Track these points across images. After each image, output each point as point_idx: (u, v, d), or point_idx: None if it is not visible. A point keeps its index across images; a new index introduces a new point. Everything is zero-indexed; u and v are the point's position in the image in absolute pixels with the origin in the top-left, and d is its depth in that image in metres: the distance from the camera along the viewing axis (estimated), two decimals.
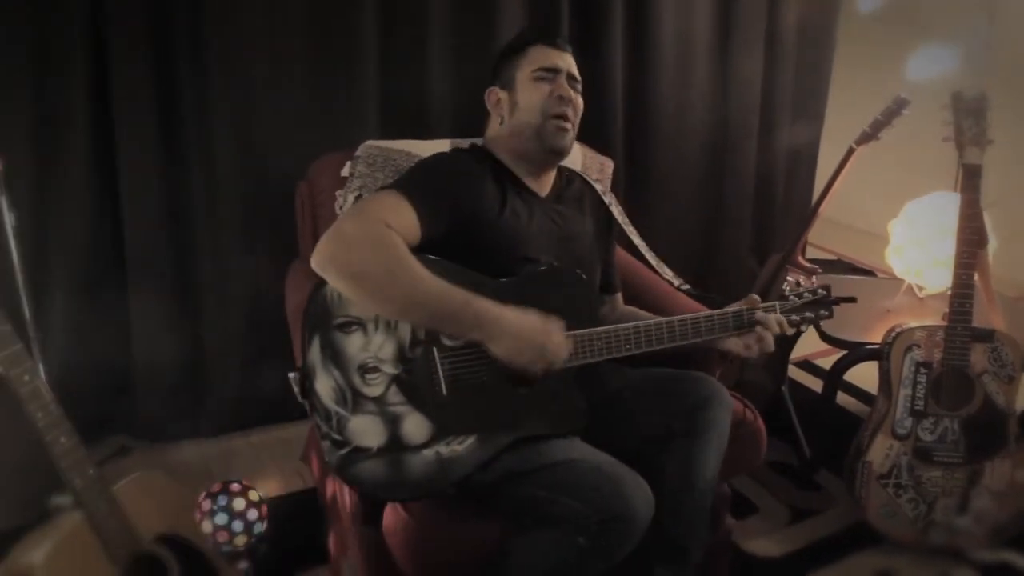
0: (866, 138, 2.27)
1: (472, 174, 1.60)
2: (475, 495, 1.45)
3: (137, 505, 1.37)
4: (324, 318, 1.39)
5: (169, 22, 2.15)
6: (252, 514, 1.94)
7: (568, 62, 1.68)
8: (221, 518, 1.90)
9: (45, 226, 2.16)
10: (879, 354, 2.02)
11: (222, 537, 1.90)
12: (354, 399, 1.38)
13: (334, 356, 1.38)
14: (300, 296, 1.79)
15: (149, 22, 2.13)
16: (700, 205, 3.16)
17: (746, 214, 3.31)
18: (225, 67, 2.22)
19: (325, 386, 1.38)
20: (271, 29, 2.25)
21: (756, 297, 1.60)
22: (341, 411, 1.38)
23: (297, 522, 2.09)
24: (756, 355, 1.57)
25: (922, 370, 1.94)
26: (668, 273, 1.89)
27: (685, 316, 1.54)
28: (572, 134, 1.66)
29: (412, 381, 1.40)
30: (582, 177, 1.86)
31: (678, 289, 1.87)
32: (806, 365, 3.00)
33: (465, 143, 1.84)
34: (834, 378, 2.33)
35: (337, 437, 1.38)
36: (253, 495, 1.96)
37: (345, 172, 2.02)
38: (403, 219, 1.42)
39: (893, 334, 1.97)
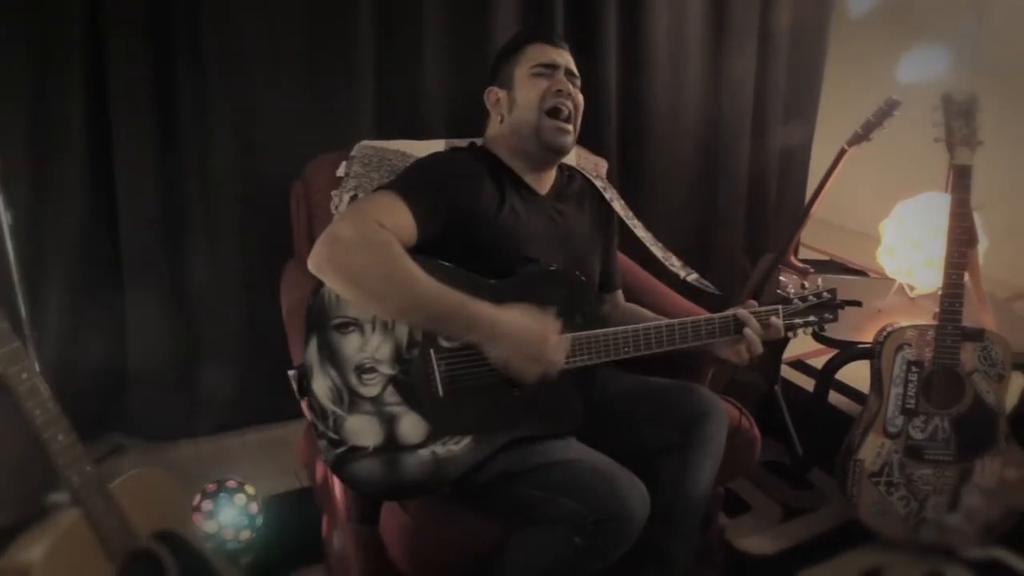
0: (858, 139, 2.28)
1: (469, 173, 1.60)
2: (472, 494, 1.45)
3: (134, 502, 1.38)
4: (322, 318, 1.39)
5: (168, 23, 2.15)
6: (253, 508, 1.95)
7: (566, 58, 1.68)
8: (226, 515, 1.91)
9: (41, 225, 2.16)
10: (870, 353, 2.03)
11: (228, 534, 1.91)
12: (351, 399, 1.39)
13: (331, 356, 1.39)
14: (296, 295, 1.80)
15: (148, 22, 2.14)
16: (693, 205, 3.17)
17: (739, 214, 3.33)
18: (223, 67, 2.23)
19: (322, 386, 1.38)
20: (268, 30, 2.26)
21: (753, 302, 1.59)
22: (338, 411, 1.38)
23: (292, 521, 2.09)
24: (746, 361, 1.56)
25: (913, 369, 1.96)
26: (676, 263, 1.87)
27: (685, 319, 1.53)
28: (573, 134, 1.66)
29: (409, 382, 1.41)
30: (583, 174, 1.86)
31: (685, 279, 1.85)
32: (799, 365, 3.01)
33: (462, 143, 1.84)
34: (826, 377, 2.34)
35: (334, 436, 1.38)
36: (249, 490, 1.97)
37: (340, 172, 2.02)
38: (399, 220, 1.42)
39: (884, 333, 1.98)
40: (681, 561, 1.57)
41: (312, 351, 1.39)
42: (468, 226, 1.53)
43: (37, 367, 1.86)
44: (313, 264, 1.37)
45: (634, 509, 1.35)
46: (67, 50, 2.08)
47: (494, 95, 1.71)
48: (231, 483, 1.97)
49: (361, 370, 1.39)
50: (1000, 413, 1.95)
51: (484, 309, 1.38)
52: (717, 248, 3.29)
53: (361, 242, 1.36)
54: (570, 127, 1.64)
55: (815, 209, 2.40)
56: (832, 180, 2.35)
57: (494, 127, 1.72)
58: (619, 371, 1.69)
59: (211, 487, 1.94)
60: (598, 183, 1.85)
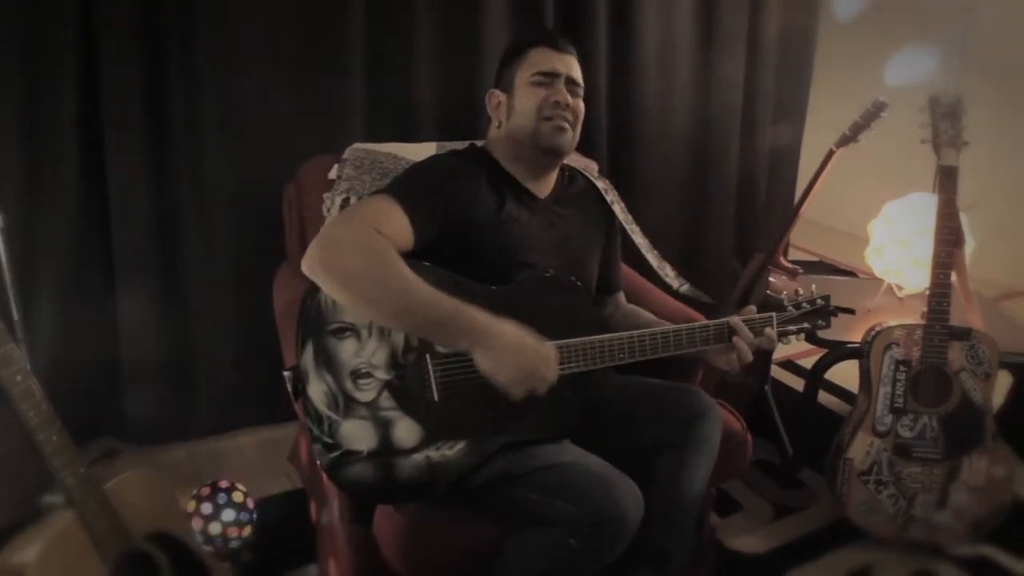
0: (845, 140, 2.30)
1: (467, 178, 1.59)
2: (467, 497, 1.46)
3: (128, 504, 1.39)
4: (318, 324, 1.39)
5: (160, 26, 2.15)
6: (250, 503, 1.95)
7: (568, 65, 1.66)
8: (228, 514, 1.90)
9: (34, 227, 2.15)
10: (859, 353, 2.04)
11: (233, 532, 1.90)
12: (346, 404, 1.39)
13: (327, 361, 1.39)
14: (288, 297, 1.80)
15: (140, 26, 2.13)
16: (684, 206, 3.19)
17: (729, 215, 3.34)
18: (215, 70, 2.23)
19: (317, 391, 1.38)
20: (261, 32, 2.26)
21: (753, 307, 1.59)
22: (333, 415, 1.38)
23: (285, 522, 2.09)
24: (737, 368, 1.56)
25: (901, 368, 1.97)
26: (670, 274, 1.86)
27: (680, 327, 1.54)
28: (570, 134, 1.65)
29: (404, 387, 1.41)
30: (584, 175, 1.84)
31: (678, 291, 1.85)
32: (788, 365, 3.03)
33: (455, 145, 1.84)
34: (815, 377, 2.36)
35: (328, 441, 1.38)
36: (242, 487, 1.97)
37: (332, 174, 2.02)
38: (395, 224, 1.42)
39: (873, 333, 2.00)
40: (677, 561, 1.58)
41: (308, 356, 1.38)
42: (465, 231, 1.52)
43: (29, 369, 1.87)
44: (306, 266, 1.36)
45: (628, 512, 1.36)
46: (59, 52, 2.07)
47: (495, 98, 1.70)
48: (223, 482, 1.97)
49: (357, 375, 1.39)
50: (987, 411, 1.96)
51: (478, 317, 1.36)
52: (707, 248, 3.30)
53: (355, 245, 1.36)
54: (567, 124, 1.63)
55: (804, 210, 2.42)
56: (821, 181, 2.36)
57: (493, 131, 1.71)
58: (613, 371, 1.70)
59: (205, 490, 1.93)
60: (600, 184, 1.84)
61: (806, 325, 1.62)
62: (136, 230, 2.29)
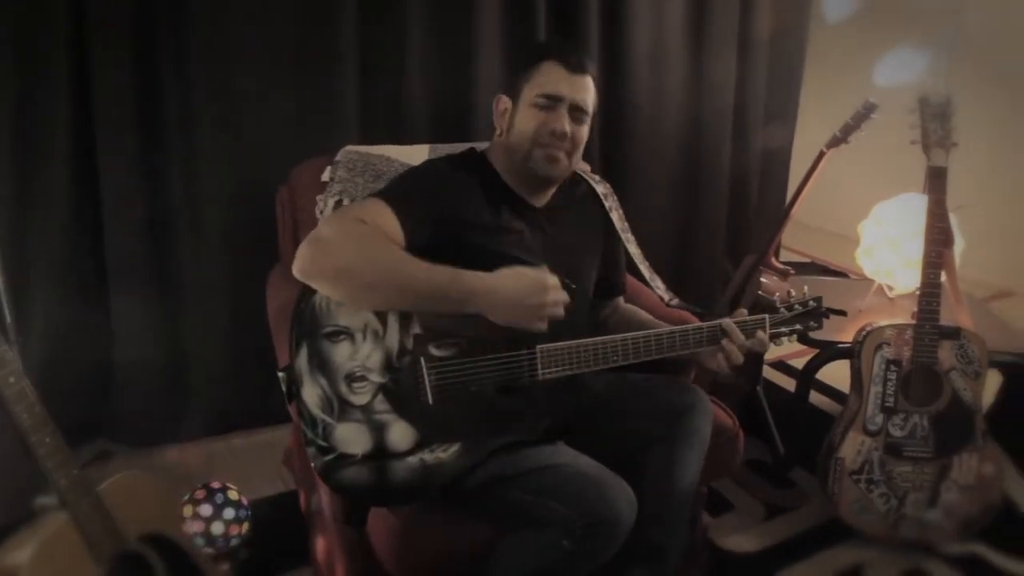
0: (836, 142, 2.30)
1: (462, 185, 1.57)
2: (461, 498, 1.46)
3: (122, 505, 1.39)
4: (313, 327, 1.39)
5: (152, 29, 2.15)
6: (244, 500, 1.96)
7: (577, 88, 1.57)
8: (228, 512, 1.90)
9: (27, 230, 2.14)
10: (850, 353, 2.05)
11: (234, 530, 1.91)
12: (340, 407, 1.39)
13: (321, 365, 1.39)
14: (282, 300, 1.80)
15: (132, 29, 2.13)
16: (675, 208, 3.19)
17: (720, 216, 3.35)
18: (207, 73, 2.23)
19: (312, 394, 1.39)
20: (253, 35, 2.26)
21: (744, 310, 1.59)
22: (327, 418, 1.39)
23: (279, 525, 2.09)
24: (726, 370, 1.56)
25: (892, 368, 1.98)
26: (660, 287, 1.85)
27: (673, 329, 1.54)
28: (564, 163, 1.59)
29: (399, 390, 1.41)
30: (586, 180, 1.82)
31: (667, 304, 1.84)
32: (780, 365, 3.04)
33: (448, 147, 1.83)
34: (807, 377, 2.37)
35: (323, 444, 1.39)
36: (232, 486, 1.98)
37: (325, 177, 2.03)
38: (385, 225, 1.42)
39: (863, 333, 2.01)
40: (672, 556, 1.58)
41: (302, 359, 1.39)
42: (458, 238, 1.51)
43: (23, 371, 1.86)
44: (298, 269, 1.36)
45: (622, 512, 1.37)
46: (52, 56, 2.07)
47: (502, 104, 1.64)
48: (215, 483, 1.97)
49: (351, 378, 1.40)
50: (977, 410, 1.98)
51: (476, 278, 1.38)
52: (699, 249, 3.31)
53: (343, 239, 1.37)
54: (561, 155, 1.58)
55: (795, 211, 2.43)
56: (811, 182, 2.37)
57: (495, 137, 1.67)
58: (605, 372, 1.70)
59: (199, 493, 1.93)
60: (600, 189, 1.82)
61: (798, 327, 1.62)
62: (129, 232, 2.28)
